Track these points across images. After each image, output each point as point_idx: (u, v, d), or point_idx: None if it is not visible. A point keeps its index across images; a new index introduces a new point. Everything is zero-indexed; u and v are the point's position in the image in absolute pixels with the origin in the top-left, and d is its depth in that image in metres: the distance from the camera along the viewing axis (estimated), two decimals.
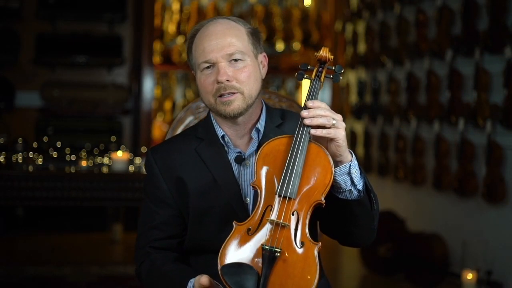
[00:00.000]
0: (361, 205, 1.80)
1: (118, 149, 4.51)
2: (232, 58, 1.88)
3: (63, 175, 3.70)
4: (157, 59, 6.81)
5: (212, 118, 1.98)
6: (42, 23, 6.16)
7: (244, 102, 1.88)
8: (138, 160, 4.11)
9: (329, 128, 1.72)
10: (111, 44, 6.21)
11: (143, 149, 5.25)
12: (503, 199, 4.29)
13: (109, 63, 6.26)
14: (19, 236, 5.89)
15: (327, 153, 1.74)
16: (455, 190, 4.68)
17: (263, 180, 1.76)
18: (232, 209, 1.88)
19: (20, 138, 4.17)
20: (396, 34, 5.59)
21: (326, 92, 6.93)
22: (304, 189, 1.72)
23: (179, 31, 6.97)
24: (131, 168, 3.97)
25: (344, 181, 1.77)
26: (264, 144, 1.80)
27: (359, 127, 6.44)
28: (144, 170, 2.18)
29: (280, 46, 7.21)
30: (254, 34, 1.94)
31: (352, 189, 1.79)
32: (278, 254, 1.67)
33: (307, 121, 1.73)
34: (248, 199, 1.91)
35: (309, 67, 1.86)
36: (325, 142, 1.75)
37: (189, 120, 2.32)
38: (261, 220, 1.72)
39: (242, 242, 1.70)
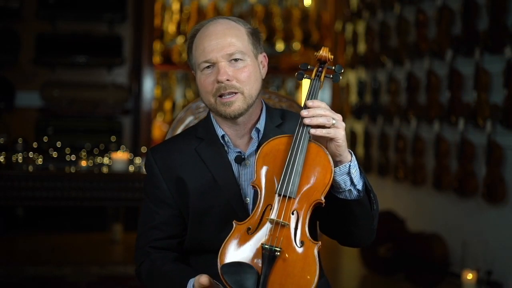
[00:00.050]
0: (360, 205, 1.80)
1: (118, 149, 4.52)
2: (232, 58, 1.88)
3: (63, 175, 3.70)
4: (157, 59, 6.81)
5: (212, 118, 1.98)
6: (42, 23, 6.16)
7: (245, 102, 1.88)
8: (138, 160, 4.11)
9: (329, 127, 1.72)
10: (111, 44, 6.21)
11: (143, 149, 5.25)
12: (503, 199, 4.29)
13: (109, 63, 6.26)
14: (19, 236, 5.89)
15: (327, 152, 1.75)
16: (455, 190, 4.68)
17: (263, 179, 1.76)
18: (232, 209, 1.89)
19: (20, 138, 4.17)
20: (396, 34, 5.59)
21: (326, 92, 6.93)
22: (304, 189, 1.72)
23: (179, 31, 6.97)
24: (131, 168, 3.97)
25: (343, 181, 1.77)
26: (264, 144, 1.80)
27: (359, 127, 6.44)
28: (144, 170, 2.18)
29: (280, 46, 7.21)
30: (254, 34, 1.94)
31: (352, 189, 1.79)
32: (278, 253, 1.67)
33: (307, 121, 1.73)
34: (248, 199, 1.91)
35: (309, 67, 1.87)
36: (325, 141, 1.75)
37: (189, 120, 2.32)
38: (261, 220, 1.72)
39: (242, 242, 1.70)
